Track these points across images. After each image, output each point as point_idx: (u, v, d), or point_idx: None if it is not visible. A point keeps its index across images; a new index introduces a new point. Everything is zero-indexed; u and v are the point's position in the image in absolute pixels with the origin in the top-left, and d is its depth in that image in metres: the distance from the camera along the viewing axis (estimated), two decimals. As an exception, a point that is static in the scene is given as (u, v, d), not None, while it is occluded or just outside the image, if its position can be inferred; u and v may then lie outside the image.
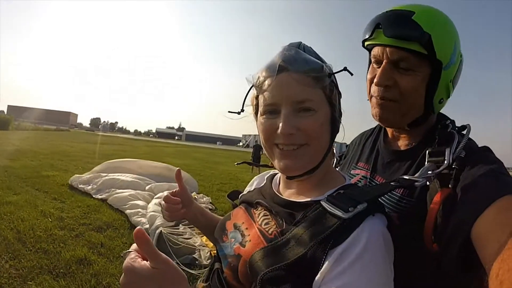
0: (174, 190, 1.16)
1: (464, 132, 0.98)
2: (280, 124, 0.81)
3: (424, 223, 0.82)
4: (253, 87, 0.91)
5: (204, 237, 4.80)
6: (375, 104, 1.06)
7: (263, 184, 1.13)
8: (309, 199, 0.85)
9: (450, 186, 0.84)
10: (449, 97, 1.06)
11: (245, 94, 0.95)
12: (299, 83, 0.81)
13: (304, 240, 0.70)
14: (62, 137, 34.42)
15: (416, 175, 0.88)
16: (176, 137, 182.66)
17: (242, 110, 0.96)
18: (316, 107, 0.82)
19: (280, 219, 0.85)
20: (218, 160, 25.09)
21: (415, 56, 0.96)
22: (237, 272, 0.80)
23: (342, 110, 0.92)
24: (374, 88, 1.06)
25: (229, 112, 0.98)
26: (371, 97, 1.10)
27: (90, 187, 7.56)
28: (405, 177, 0.88)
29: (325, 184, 0.90)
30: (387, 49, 0.99)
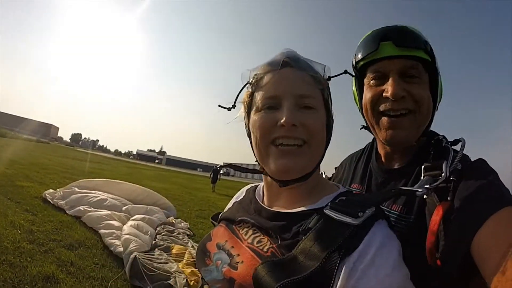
0: None
1: (457, 146, 0.97)
2: (284, 116, 0.76)
3: (425, 239, 0.80)
4: (247, 84, 0.90)
5: (181, 263, 4.64)
6: (387, 123, 1.00)
7: (242, 197, 1.07)
8: (304, 208, 0.80)
9: (449, 199, 0.83)
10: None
11: (239, 91, 0.93)
12: (302, 79, 0.81)
13: (314, 253, 0.65)
14: (41, 149, 33.59)
15: (415, 187, 0.87)
16: (157, 161, 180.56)
17: (234, 106, 0.93)
18: (316, 106, 0.81)
19: (273, 234, 0.79)
20: (198, 186, 24.82)
21: (421, 65, 0.99)
22: None
23: (333, 117, 0.90)
24: (385, 103, 1.00)
25: (219, 106, 0.95)
26: (378, 115, 1.04)
27: (64, 202, 7.29)
28: (404, 188, 0.88)
29: (318, 192, 0.85)
30: (395, 60, 0.98)
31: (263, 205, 0.92)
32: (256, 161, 0.90)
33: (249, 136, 0.90)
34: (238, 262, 0.76)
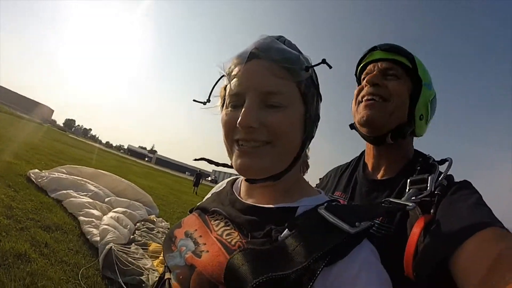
0: None
1: (444, 165, 1.01)
2: (240, 116, 0.70)
3: (404, 250, 0.80)
4: (223, 76, 0.83)
5: (156, 260, 4.60)
6: (362, 107, 1.14)
7: (221, 188, 1.03)
8: (281, 205, 0.77)
9: (432, 211, 0.85)
10: (428, 120, 1.17)
11: (214, 83, 0.85)
12: (269, 73, 0.72)
13: (302, 251, 0.60)
14: (33, 129, 33.14)
15: (402, 200, 0.87)
16: (146, 159, 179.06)
17: (208, 100, 0.87)
18: (286, 102, 0.73)
19: (243, 228, 0.75)
20: (183, 189, 24.72)
21: (401, 68, 1.12)
22: (188, 286, 0.68)
23: (319, 115, 0.84)
24: (363, 92, 1.16)
25: (194, 100, 0.88)
26: (358, 105, 1.19)
27: (47, 184, 7.20)
28: (394, 200, 0.87)
29: (297, 192, 0.81)
30: (379, 62, 1.16)
31: (238, 197, 0.88)
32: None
33: None
34: (202, 251, 0.73)
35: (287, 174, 0.79)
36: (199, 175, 27.17)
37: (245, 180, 0.84)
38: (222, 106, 0.83)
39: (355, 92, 1.22)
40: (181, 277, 0.72)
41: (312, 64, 0.78)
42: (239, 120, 0.70)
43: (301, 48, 0.82)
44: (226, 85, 0.80)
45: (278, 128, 0.72)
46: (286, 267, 0.59)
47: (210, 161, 1.00)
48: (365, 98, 1.14)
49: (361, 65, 1.24)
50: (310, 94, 0.79)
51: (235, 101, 0.75)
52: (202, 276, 0.67)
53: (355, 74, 1.31)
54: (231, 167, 0.89)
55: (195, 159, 1.03)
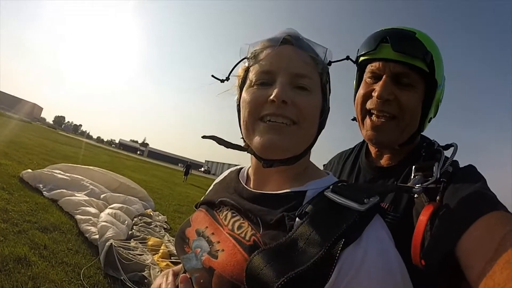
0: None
1: (448, 150, 0.99)
2: (275, 91, 0.73)
3: (410, 239, 0.79)
4: (244, 59, 0.86)
5: (156, 255, 4.62)
6: (370, 126, 1.06)
7: (222, 178, 1.03)
8: (288, 190, 0.77)
9: (437, 199, 0.84)
10: (434, 117, 1.11)
11: (235, 64, 0.87)
12: (300, 58, 0.78)
13: (316, 239, 0.61)
14: (23, 128, 32.67)
15: (409, 184, 0.87)
16: (138, 152, 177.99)
17: (228, 79, 0.89)
18: (312, 88, 0.77)
19: (253, 218, 0.75)
20: (178, 182, 24.75)
21: (417, 73, 1.00)
22: None
23: (329, 107, 0.87)
24: (371, 102, 1.05)
25: (212, 76, 0.89)
26: (364, 113, 1.09)
27: (41, 184, 7.15)
28: (400, 184, 0.87)
29: (305, 176, 0.82)
30: (391, 63, 1.01)
31: (245, 186, 0.88)
32: (242, 138, 0.87)
33: (239, 111, 0.86)
34: (218, 250, 0.73)
35: (302, 159, 0.82)
36: (188, 166, 29.87)
37: (263, 162, 0.80)
38: (240, 86, 0.87)
39: (360, 91, 1.10)
40: (201, 281, 0.72)
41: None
42: (275, 93, 0.73)
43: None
44: (249, 67, 0.84)
45: (306, 109, 0.76)
46: (304, 260, 0.59)
47: (220, 141, 0.94)
48: (374, 113, 1.04)
49: (366, 57, 1.08)
50: (327, 87, 0.84)
51: (264, 79, 0.78)
52: (222, 279, 0.67)
53: (356, 61, 1.13)
54: (244, 149, 0.89)
55: (204, 136, 0.95)
